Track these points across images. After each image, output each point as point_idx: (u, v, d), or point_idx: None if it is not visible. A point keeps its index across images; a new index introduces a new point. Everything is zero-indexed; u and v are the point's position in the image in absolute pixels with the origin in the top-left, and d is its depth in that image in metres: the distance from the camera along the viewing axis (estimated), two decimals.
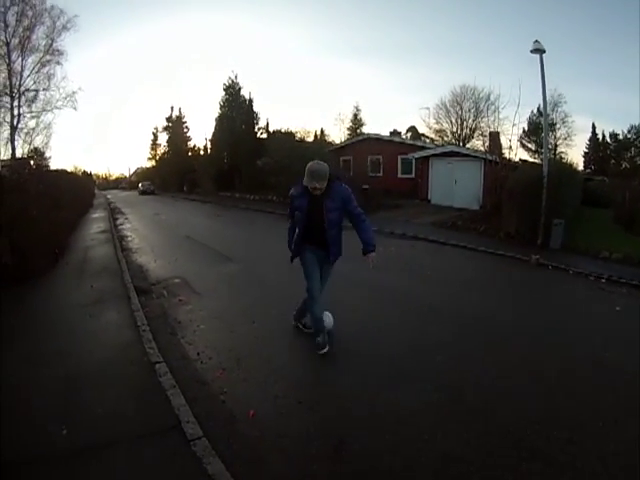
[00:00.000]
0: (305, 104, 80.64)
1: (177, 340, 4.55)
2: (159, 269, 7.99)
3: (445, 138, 37.93)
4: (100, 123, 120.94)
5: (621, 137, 46.56)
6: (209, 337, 4.63)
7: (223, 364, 3.91)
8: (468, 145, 33.73)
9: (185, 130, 48.71)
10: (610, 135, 47.63)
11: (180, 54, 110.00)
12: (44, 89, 25.00)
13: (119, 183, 75.17)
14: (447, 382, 3.65)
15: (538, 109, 33.51)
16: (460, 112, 37.75)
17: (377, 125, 66.77)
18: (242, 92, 34.90)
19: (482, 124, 34.68)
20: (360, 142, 24.89)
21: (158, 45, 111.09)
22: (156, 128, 52.75)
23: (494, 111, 24.05)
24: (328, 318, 4.38)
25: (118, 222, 16.18)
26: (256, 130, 34.35)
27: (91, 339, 4.51)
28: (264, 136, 33.38)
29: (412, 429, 2.96)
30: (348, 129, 42.70)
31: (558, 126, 38.23)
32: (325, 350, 4.15)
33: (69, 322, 5.07)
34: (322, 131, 43.33)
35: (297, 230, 4.15)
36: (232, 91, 34.69)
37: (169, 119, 49.01)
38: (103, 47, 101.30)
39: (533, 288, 7.60)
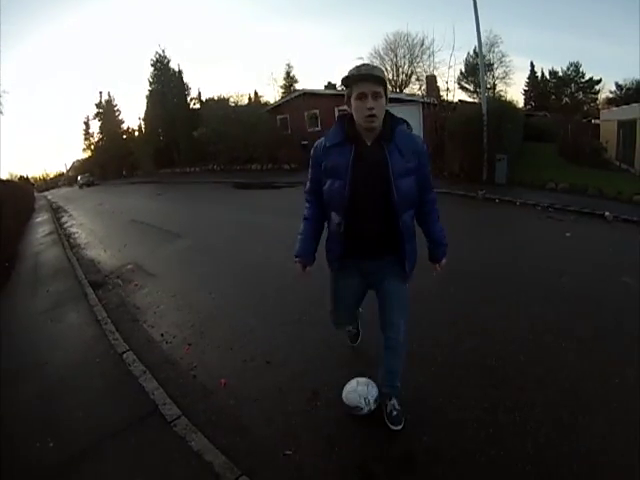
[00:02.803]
0: (236, 67, 76.76)
1: (139, 326, 4.26)
2: (110, 259, 7.46)
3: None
4: (26, 123, 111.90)
5: (561, 74, 45.45)
6: (170, 316, 4.38)
7: (188, 340, 3.72)
8: (405, 91, 32.13)
9: (117, 113, 45.00)
10: (550, 72, 46.55)
11: (96, 37, 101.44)
12: None
13: (58, 181, 70.14)
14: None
15: (474, 50, 31.28)
16: (395, 59, 35.24)
17: (313, 80, 63.56)
18: (171, 65, 32.44)
19: (418, 69, 32.56)
20: (295, 99, 22.92)
21: (71, 32, 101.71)
22: (87, 117, 47.85)
23: (429, 56, 23.23)
24: (367, 387, 2.46)
25: (63, 221, 14.93)
26: (189, 101, 32.39)
27: (56, 344, 4.11)
28: (197, 106, 31.52)
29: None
30: (282, 87, 39.99)
31: (496, 66, 36.44)
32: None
33: (31, 332, 4.59)
34: (256, 93, 41.08)
35: (331, 220, 2.16)
36: (160, 65, 32.27)
37: (99, 105, 44.93)
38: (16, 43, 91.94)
39: (482, 221, 7.71)
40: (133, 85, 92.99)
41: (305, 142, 18.84)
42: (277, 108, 24.31)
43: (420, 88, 19.68)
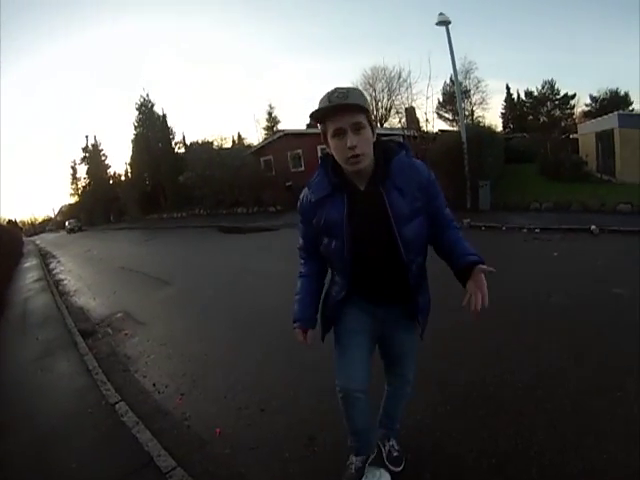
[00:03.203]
0: (219, 110, 79.72)
1: (131, 376, 4.23)
2: (100, 307, 7.42)
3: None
4: (13, 167, 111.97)
5: (536, 93, 45.21)
6: (161, 365, 4.37)
7: (180, 389, 3.70)
8: (386, 125, 32.34)
9: (103, 158, 45.25)
10: (525, 93, 46.24)
11: (83, 81, 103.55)
12: None
13: (46, 226, 69.65)
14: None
15: (451, 79, 31.30)
16: (374, 93, 35.11)
17: (295, 120, 65.38)
18: (155, 109, 33.07)
19: (397, 102, 32.41)
20: (278, 140, 22.98)
21: (58, 74, 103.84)
22: (74, 161, 48.37)
23: (407, 88, 23.40)
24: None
25: (51, 267, 14.81)
26: (173, 145, 32.71)
27: (47, 395, 4.05)
28: (182, 150, 31.83)
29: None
30: (264, 129, 40.50)
31: (472, 92, 35.98)
32: None
33: (22, 382, 4.50)
34: (239, 135, 42.17)
35: (331, 276, 1.94)
36: (145, 109, 32.85)
37: (85, 149, 45.33)
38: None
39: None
40: (119, 128, 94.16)
41: (289, 183, 19.09)
42: (260, 150, 24.50)
43: (400, 121, 20.05)
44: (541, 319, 4.15)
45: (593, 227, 7.73)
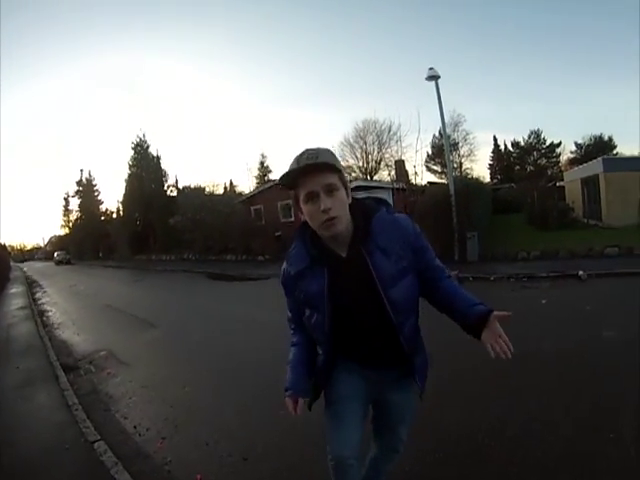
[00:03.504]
0: (213, 156, 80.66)
1: (112, 415, 4.19)
2: (83, 343, 7.36)
3: (353, 174, 34.89)
4: (10, 193, 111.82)
5: (523, 144, 46.11)
6: (143, 408, 4.33)
7: (162, 433, 3.68)
8: (375, 177, 32.97)
9: (96, 193, 45.32)
10: (512, 144, 47.25)
11: (83, 114, 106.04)
12: None
13: (35, 254, 68.97)
14: None
15: (440, 132, 31.04)
16: (364, 146, 35.58)
17: (286, 170, 65.87)
18: (150, 150, 33.05)
19: (387, 155, 33.05)
20: (269, 189, 23.06)
21: (62, 104, 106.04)
22: (67, 193, 48.64)
23: (397, 141, 23.99)
24: None
25: (37, 296, 14.69)
26: (166, 188, 32.56)
27: (26, 425, 4.01)
28: (174, 193, 31.70)
29: None
30: (256, 177, 40.79)
31: (461, 144, 36.34)
32: None
33: (2, 408, 4.50)
34: (231, 182, 42.59)
35: (318, 348, 1.79)
36: (140, 149, 32.90)
37: (79, 183, 45.49)
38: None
39: None
40: (114, 165, 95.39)
41: (279, 233, 19.18)
42: (251, 198, 24.71)
43: (389, 174, 20.02)
44: (532, 366, 4.16)
45: (581, 272, 7.79)
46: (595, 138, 42.23)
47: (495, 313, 1.48)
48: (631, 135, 71.39)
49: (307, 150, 1.44)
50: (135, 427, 3.88)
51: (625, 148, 43.22)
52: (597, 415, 3.14)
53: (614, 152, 38.80)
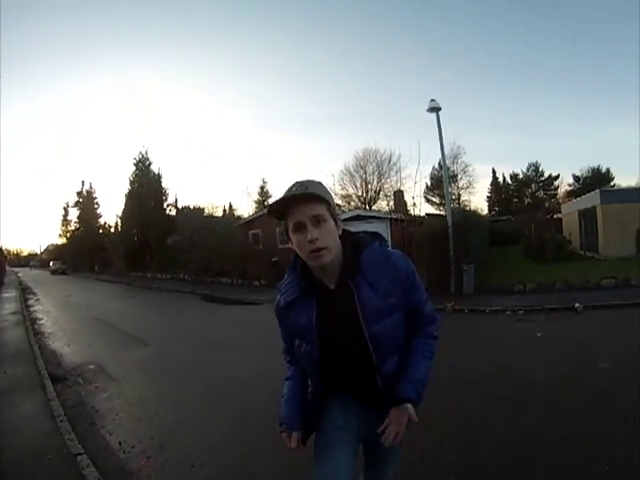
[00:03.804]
0: (213, 178, 79.56)
1: (97, 430, 4.12)
2: (73, 354, 7.29)
3: (352, 203, 34.50)
4: (9, 196, 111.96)
5: (521, 176, 46.03)
6: (129, 425, 4.26)
7: (147, 452, 3.60)
8: (374, 207, 32.14)
9: (96, 206, 44.91)
10: (510, 176, 47.19)
11: (90, 126, 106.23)
12: None
13: (30, 260, 68.61)
14: None
15: (439, 163, 31.22)
16: (364, 176, 35.07)
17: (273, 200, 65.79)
18: (152, 167, 32.76)
19: (386, 185, 32.59)
20: (268, 214, 22.90)
21: (65, 111, 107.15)
22: (67, 203, 48.17)
23: (396, 171, 23.69)
24: None
25: (29, 303, 14.60)
26: (165, 206, 32.21)
27: (8, 431, 3.94)
28: (173, 213, 31.38)
29: None
30: (255, 202, 39.90)
31: (460, 176, 35.42)
32: None
33: None
34: (230, 205, 41.96)
35: (310, 382, 1.75)
36: (142, 166, 32.61)
37: (80, 194, 45.09)
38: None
39: (451, 333, 7.38)
40: (115, 179, 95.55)
41: (275, 259, 19.01)
42: (250, 222, 24.46)
43: (388, 204, 19.70)
44: (526, 398, 4.13)
45: (577, 305, 7.76)
46: (593, 170, 42.45)
47: (407, 406, 1.49)
48: (629, 167, 72.66)
49: (297, 182, 1.45)
50: (120, 443, 3.81)
51: (623, 180, 43.37)
52: (593, 446, 3.14)
53: (612, 184, 38.80)
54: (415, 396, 1.52)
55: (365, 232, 1.66)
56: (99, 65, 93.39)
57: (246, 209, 38.72)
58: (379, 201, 33.87)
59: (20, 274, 35.50)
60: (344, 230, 1.54)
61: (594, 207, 15.83)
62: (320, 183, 1.49)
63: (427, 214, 20.93)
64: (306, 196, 1.39)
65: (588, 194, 18.13)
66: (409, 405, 1.49)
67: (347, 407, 1.70)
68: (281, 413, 1.68)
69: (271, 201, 1.45)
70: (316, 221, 1.41)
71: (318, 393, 1.69)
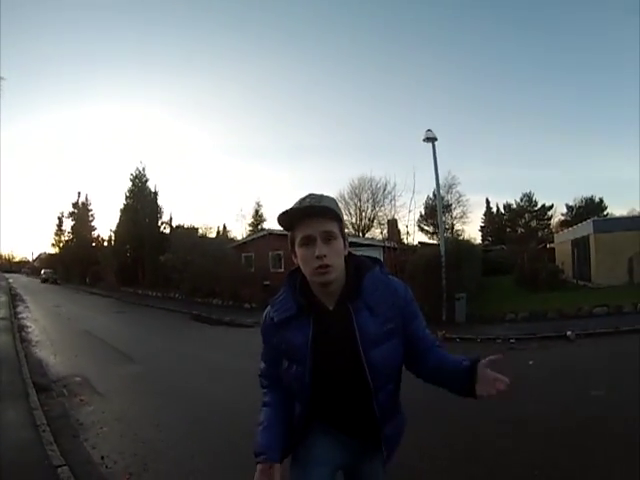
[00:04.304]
0: (209, 199, 78.96)
1: (79, 443, 4.03)
2: (59, 365, 7.17)
3: (346, 230, 33.97)
4: (5, 200, 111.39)
5: (515, 206, 45.97)
6: (113, 440, 4.16)
7: (130, 468, 3.51)
8: (368, 234, 32.47)
9: (91, 219, 44.50)
10: (504, 206, 47.14)
11: (90, 140, 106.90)
12: None
13: (22, 267, 67.84)
14: None
15: (433, 193, 30.62)
16: (359, 203, 35.43)
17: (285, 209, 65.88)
18: (148, 184, 32.43)
19: (380, 213, 32.73)
20: (261, 238, 22.72)
21: (68, 128, 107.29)
22: (62, 213, 47.34)
23: (391, 200, 23.84)
24: None
25: (18, 310, 14.44)
26: (160, 224, 31.81)
27: None
28: (167, 231, 31.07)
29: None
30: (250, 225, 40.03)
31: (454, 206, 36.30)
32: None
33: None
34: (224, 227, 41.37)
35: (296, 406, 1.58)
36: (138, 182, 32.30)
37: (75, 205, 44.67)
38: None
39: None
40: (110, 193, 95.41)
41: (267, 282, 18.93)
42: (243, 245, 24.44)
43: (382, 232, 20.05)
44: (516, 429, 4.05)
45: (569, 333, 7.72)
46: (586, 200, 42.47)
47: (482, 361, 1.34)
48: (622, 196, 73.17)
49: (311, 194, 1.38)
50: (103, 458, 3.73)
51: (616, 209, 42.77)
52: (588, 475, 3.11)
53: (605, 213, 38.91)
54: (476, 357, 1.40)
55: (366, 256, 1.61)
56: (97, 91, 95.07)
57: (240, 231, 38.53)
58: (373, 229, 34.14)
59: (10, 280, 35.02)
60: (349, 251, 1.49)
61: (587, 236, 15.94)
62: (335, 199, 1.44)
63: (420, 243, 21.00)
64: (321, 210, 1.34)
65: (581, 224, 18.28)
66: (483, 361, 1.35)
67: (329, 437, 1.57)
68: (259, 442, 1.49)
69: (282, 209, 1.34)
70: (327, 237, 1.35)
71: (305, 417, 1.54)
